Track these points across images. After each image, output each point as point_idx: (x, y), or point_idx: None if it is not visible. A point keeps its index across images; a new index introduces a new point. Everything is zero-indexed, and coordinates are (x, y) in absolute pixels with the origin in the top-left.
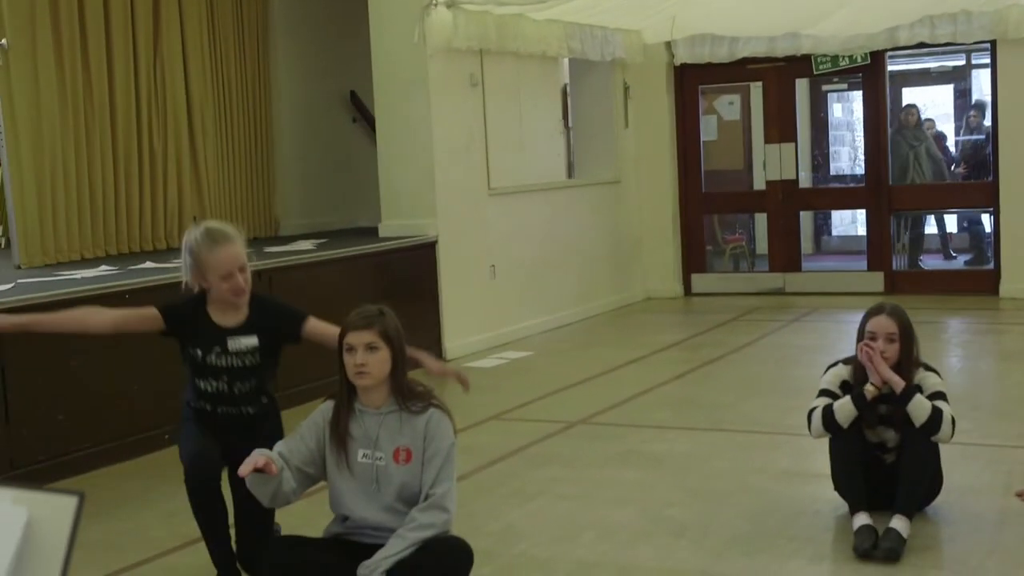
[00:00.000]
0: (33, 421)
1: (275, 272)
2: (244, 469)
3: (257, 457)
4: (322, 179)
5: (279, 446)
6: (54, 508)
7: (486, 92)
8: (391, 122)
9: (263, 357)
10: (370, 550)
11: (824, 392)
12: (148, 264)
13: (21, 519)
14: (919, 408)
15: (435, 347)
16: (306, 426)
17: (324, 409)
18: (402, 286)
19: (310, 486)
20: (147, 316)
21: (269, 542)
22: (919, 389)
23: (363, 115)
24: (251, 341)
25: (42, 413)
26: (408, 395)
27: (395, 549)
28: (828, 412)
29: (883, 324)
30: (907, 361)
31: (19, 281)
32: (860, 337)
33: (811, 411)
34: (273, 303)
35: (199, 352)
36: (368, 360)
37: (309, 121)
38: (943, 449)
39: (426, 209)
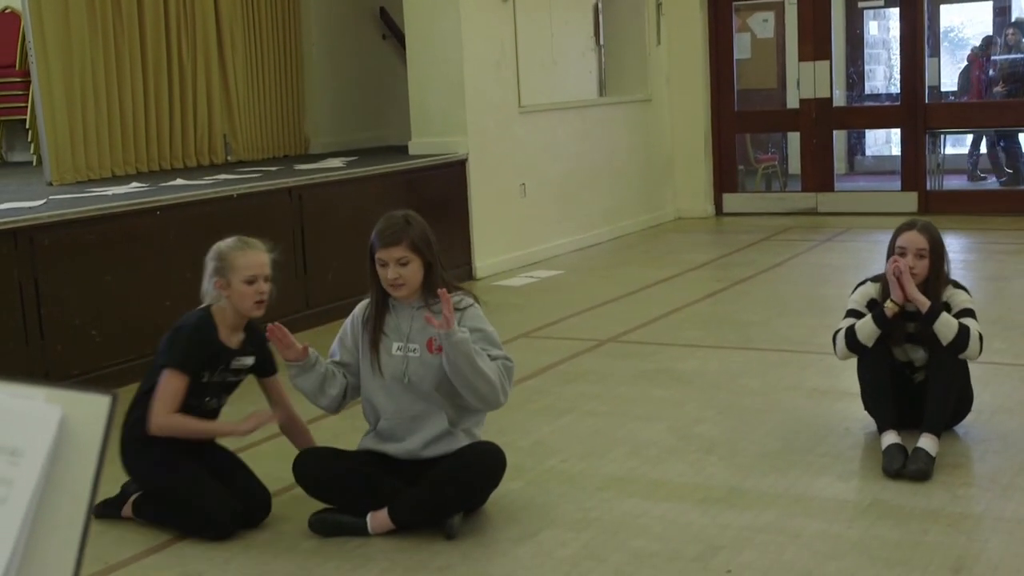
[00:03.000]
0: (67, 336)
1: (304, 190)
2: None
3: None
4: (352, 97)
5: (332, 358)
6: (88, 407)
7: (517, 8)
8: (421, 39)
9: (248, 375)
10: (401, 464)
11: (851, 312)
12: (179, 181)
13: (55, 416)
14: (946, 327)
15: (465, 266)
16: (344, 328)
17: (361, 307)
18: (432, 204)
19: (356, 395)
20: (183, 388)
21: (300, 455)
22: (947, 307)
23: (393, 32)
24: (249, 361)
25: (76, 329)
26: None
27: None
28: (851, 332)
29: (913, 239)
30: (936, 278)
31: (51, 198)
32: (890, 253)
33: (836, 332)
34: (262, 335)
35: (207, 375)
36: (401, 273)
37: (339, 38)
38: (973, 368)
39: (456, 127)
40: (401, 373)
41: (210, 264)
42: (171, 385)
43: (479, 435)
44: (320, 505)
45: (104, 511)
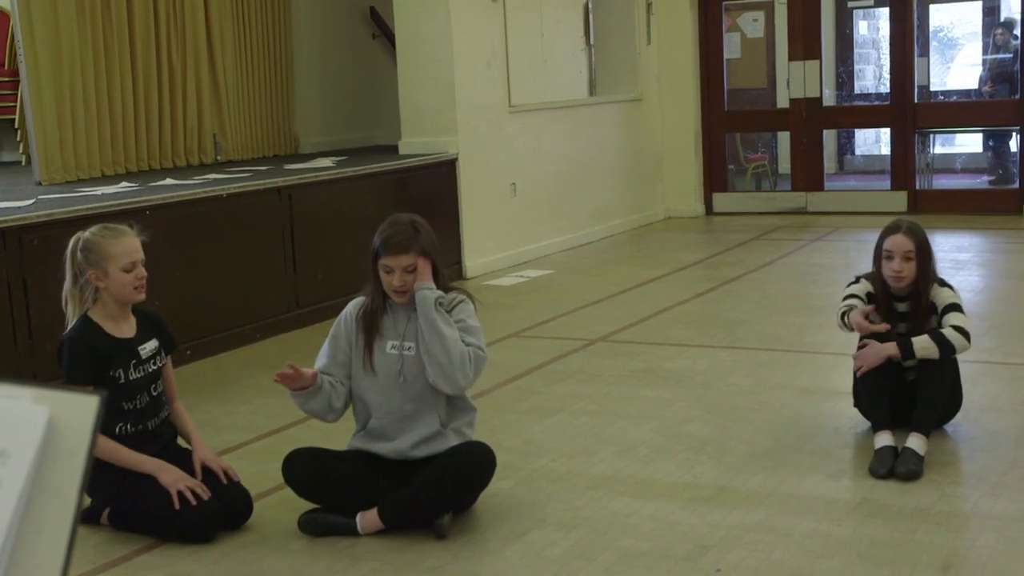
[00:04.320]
0: (56, 337)
1: (294, 189)
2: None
3: (287, 370)
4: (342, 96)
5: (320, 360)
6: (76, 407)
7: (507, 8)
8: (411, 38)
9: (163, 358)
10: (391, 464)
11: (849, 296)
12: (168, 181)
13: (43, 417)
14: (926, 350)
15: (455, 265)
16: (338, 326)
17: (355, 304)
18: (422, 204)
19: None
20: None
21: (290, 455)
22: (933, 308)
23: (383, 31)
24: (154, 343)
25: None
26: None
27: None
28: (843, 315)
29: (900, 243)
30: (924, 278)
31: (40, 197)
32: (877, 255)
33: (840, 312)
34: (154, 313)
35: (120, 373)
36: (407, 280)
37: (329, 38)
38: (963, 367)
39: (446, 126)
40: (396, 372)
41: (79, 257)
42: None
43: (470, 435)
44: (309, 505)
45: (82, 519)
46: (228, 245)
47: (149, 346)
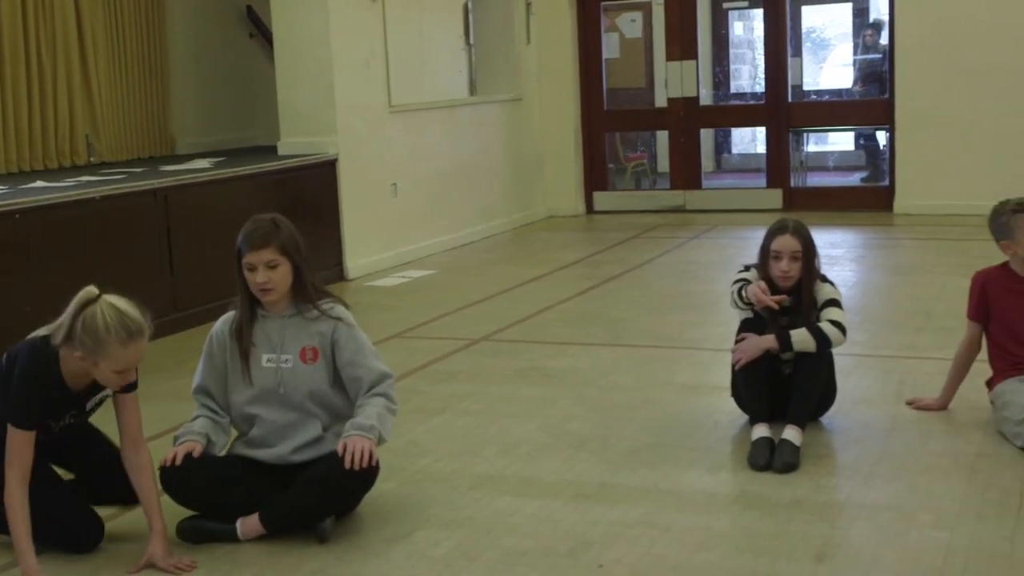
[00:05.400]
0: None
1: (171, 191)
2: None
3: (179, 451)
4: (219, 96)
5: (197, 379)
6: None
7: (387, 7)
8: (289, 37)
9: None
10: (272, 468)
11: (742, 279)
12: (39, 183)
13: None
14: (804, 344)
15: (336, 267)
16: (210, 344)
17: (225, 320)
18: (302, 205)
19: None
20: (28, 446)
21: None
22: (813, 303)
23: (260, 30)
24: (104, 393)
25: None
26: (311, 298)
27: (374, 410)
28: (740, 291)
29: (787, 243)
30: (808, 277)
31: None
32: (764, 255)
33: (736, 283)
34: None
35: (53, 424)
36: (270, 277)
37: (204, 36)
38: (837, 361)
39: (326, 126)
40: (274, 384)
41: (79, 329)
42: (14, 445)
43: None
44: (187, 512)
45: None
46: (102, 249)
47: (99, 395)
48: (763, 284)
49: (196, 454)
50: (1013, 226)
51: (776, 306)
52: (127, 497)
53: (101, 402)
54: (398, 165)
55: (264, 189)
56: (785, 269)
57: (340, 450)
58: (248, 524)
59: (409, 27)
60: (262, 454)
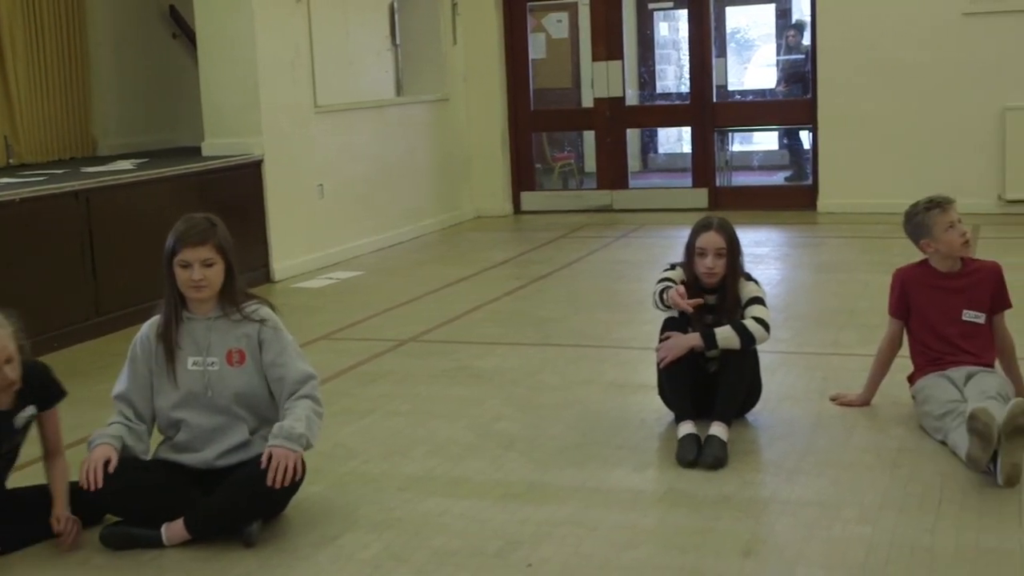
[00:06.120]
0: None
1: (92, 193)
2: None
3: (97, 466)
4: (142, 97)
5: (119, 385)
6: None
7: (311, 8)
8: (213, 38)
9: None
10: (197, 472)
11: (665, 279)
12: None
13: None
14: (728, 341)
15: (262, 268)
16: (134, 349)
17: (151, 324)
18: (227, 206)
19: None
20: None
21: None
22: (737, 301)
23: (183, 30)
24: (30, 411)
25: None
26: (239, 300)
27: (302, 413)
28: (661, 294)
29: (712, 240)
30: (732, 274)
31: None
32: (689, 252)
33: (659, 283)
34: (37, 368)
35: None
36: (206, 275)
37: (127, 36)
38: (762, 358)
39: (251, 127)
40: (201, 388)
41: None
42: None
43: None
44: (111, 518)
45: None
46: (22, 252)
47: (25, 415)
48: (681, 288)
49: (111, 467)
50: (929, 223)
51: (692, 310)
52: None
53: (30, 420)
54: (325, 166)
55: (188, 191)
56: (710, 265)
57: (264, 461)
58: (173, 529)
59: (335, 27)
60: (187, 459)
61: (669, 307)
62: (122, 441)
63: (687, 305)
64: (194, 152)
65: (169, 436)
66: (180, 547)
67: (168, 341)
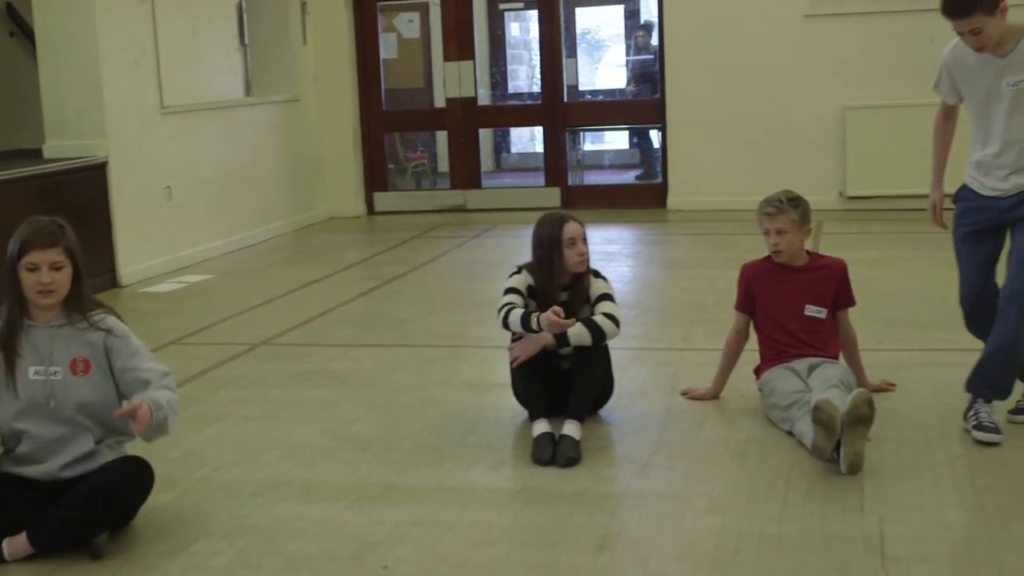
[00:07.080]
0: None
1: None
2: None
3: None
4: None
5: None
6: None
7: (156, 7)
8: (52, 37)
9: None
10: (40, 484)
11: (511, 290)
12: None
13: None
14: (580, 338)
15: (109, 273)
16: None
17: None
18: (71, 210)
19: None
20: None
21: None
22: (587, 298)
23: (22, 29)
24: None
25: None
26: (85, 308)
27: (164, 397)
28: (506, 317)
29: (576, 229)
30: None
31: None
32: (553, 247)
33: (501, 308)
34: None
35: None
36: (54, 278)
37: None
38: (613, 354)
39: (94, 129)
40: (43, 397)
41: None
42: None
43: (126, 449)
44: None
45: None
46: None
47: None
48: (557, 308)
49: None
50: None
51: (573, 323)
52: None
53: None
54: (172, 167)
55: (28, 194)
56: (583, 251)
57: (130, 407)
58: (15, 544)
59: (181, 27)
60: (30, 471)
61: (536, 330)
62: None
63: (567, 323)
64: (35, 155)
65: (10, 449)
66: (23, 561)
67: (8, 349)
